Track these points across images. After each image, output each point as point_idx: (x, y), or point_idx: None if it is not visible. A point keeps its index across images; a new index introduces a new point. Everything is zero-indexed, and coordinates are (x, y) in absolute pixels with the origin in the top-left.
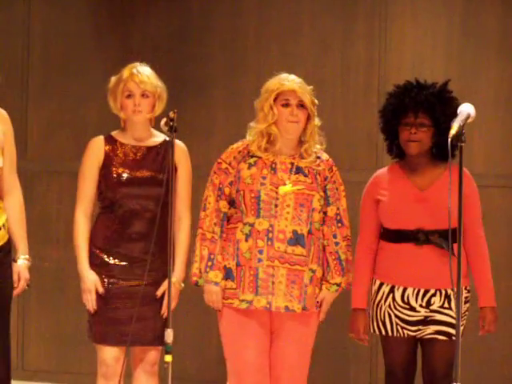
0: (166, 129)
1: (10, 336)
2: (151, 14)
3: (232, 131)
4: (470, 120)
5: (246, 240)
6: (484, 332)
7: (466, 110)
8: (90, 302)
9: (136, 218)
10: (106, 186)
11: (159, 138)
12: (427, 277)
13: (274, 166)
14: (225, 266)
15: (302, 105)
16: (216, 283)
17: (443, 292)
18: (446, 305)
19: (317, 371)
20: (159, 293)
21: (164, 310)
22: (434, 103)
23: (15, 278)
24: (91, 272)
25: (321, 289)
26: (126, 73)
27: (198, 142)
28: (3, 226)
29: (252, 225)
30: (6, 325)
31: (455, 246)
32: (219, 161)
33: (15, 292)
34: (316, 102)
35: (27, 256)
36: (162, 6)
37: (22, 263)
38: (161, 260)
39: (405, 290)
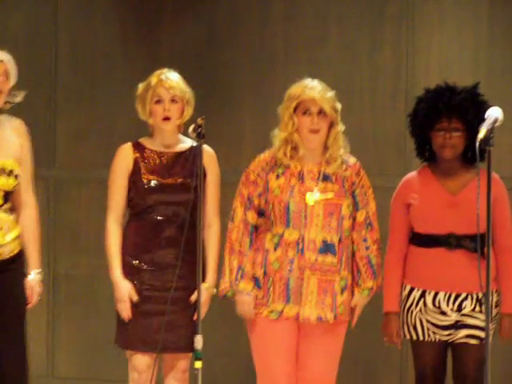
0: (194, 135)
1: (27, 346)
2: (178, 22)
3: (260, 138)
4: (498, 124)
5: (275, 250)
6: (502, 337)
7: (493, 113)
8: (125, 311)
9: (166, 224)
10: (135, 193)
11: (186, 143)
12: (458, 281)
13: (301, 174)
14: (252, 274)
15: (322, 112)
16: (248, 293)
17: (474, 296)
18: (478, 309)
19: (346, 377)
20: (193, 298)
21: (196, 317)
22: (468, 108)
23: (28, 293)
24: (125, 281)
25: (353, 295)
26: (154, 79)
27: (226, 149)
28: (17, 237)
29: (281, 235)
30: (22, 335)
31: (486, 249)
32: (248, 172)
33: (28, 307)
34: (339, 107)
35: (39, 270)
36: (189, 14)
37: (34, 278)
38: (192, 266)
39: (436, 294)
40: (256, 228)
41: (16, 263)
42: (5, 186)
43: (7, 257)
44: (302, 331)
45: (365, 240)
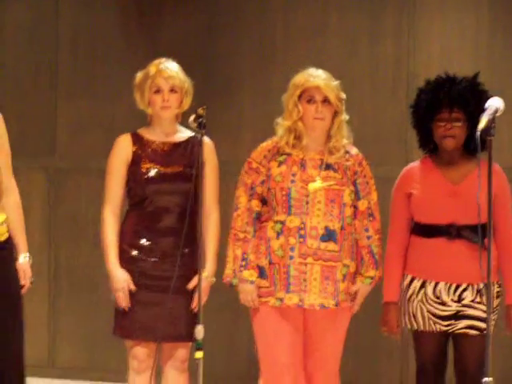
0: (194, 125)
1: (24, 333)
2: (179, 12)
3: (260, 128)
4: (498, 113)
5: (278, 238)
6: (510, 330)
7: (494, 103)
8: (123, 300)
9: (166, 213)
10: (135, 183)
11: (185, 133)
12: (459, 271)
13: (303, 162)
14: (257, 264)
15: (327, 101)
16: (251, 282)
17: (475, 286)
18: (478, 299)
19: (348, 367)
20: (191, 286)
21: (195, 305)
22: (468, 98)
23: (21, 274)
24: (121, 270)
25: (355, 282)
26: (153, 68)
27: (226, 139)
28: (3, 223)
29: (283, 222)
30: (19, 321)
31: (487, 240)
32: (249, 160)
33: (23, 290)
34: (343, 96)
35: (27, 254)
36: (190, 4)
37: (23, 261)
38: (191, 255)
39: (436, 284)
40: (258, 217)
41: (5, 250)
42: None
43: None
44: (306, 319)
45: (366, 230)
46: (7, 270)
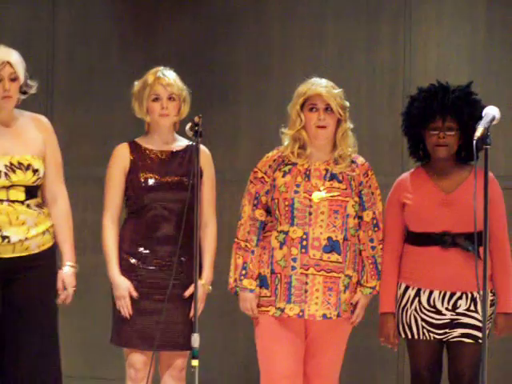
0: (191, 133)
1: (59, 346)
2: (176, 21)
3: (257, 136)
4: (494, 122)
5: (281, 248)
6: (496, 334)
7: (491, 112)
8: (126, 308)
9: (164, 222)
10: (133, 192)
11: (183, 142)
12: (453, 280)
13: (308, 173)
14: (259, 273)
15: (329, 109)
16: (251, 290)
17: (469, 295)
18: (473, 308)
19: (344, 376)
20: (187, 294)
21: (192, 314)
22: (462, 107)
23: (59, 285)
24: (123, 278)
25: (355, 293)
26: (151, 77)
27: (222, 148)
28: (47, 230)
29: (286, 233)
30: (54, 332)
31: (481, 249)
32: (255, 170)
33: (60, 299)
34: (347, 105)
35: (73, 263)
36: (186, 12)
37: (67, 270)
38: (189, 264)
39: (431, 293)
40: (263, 226)
41: (46, 258)
42: (23, 181)
43: (36, 251)
44: (307, 328)
45: (371, 240)
46: (46, 280)
